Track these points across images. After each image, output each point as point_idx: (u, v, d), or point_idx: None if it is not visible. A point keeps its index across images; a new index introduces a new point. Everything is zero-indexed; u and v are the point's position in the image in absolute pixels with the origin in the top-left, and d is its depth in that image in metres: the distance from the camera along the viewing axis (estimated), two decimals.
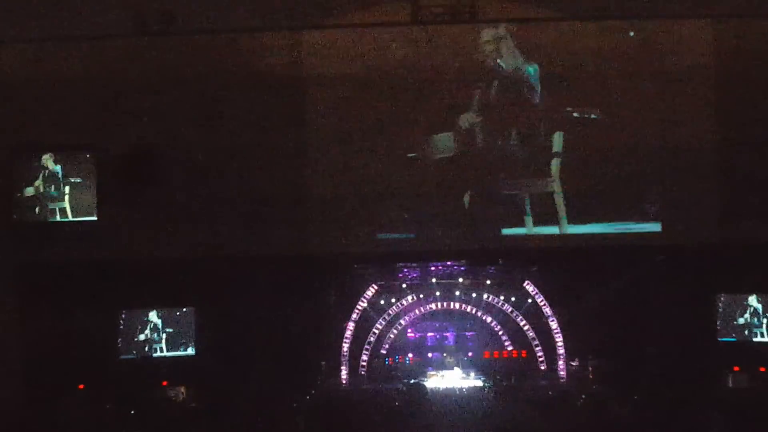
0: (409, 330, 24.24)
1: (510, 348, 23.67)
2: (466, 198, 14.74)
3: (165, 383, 16.52)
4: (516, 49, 14.45)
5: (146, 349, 16.83)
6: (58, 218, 14.15)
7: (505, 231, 14.91)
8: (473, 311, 23.75)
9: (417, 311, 23.89)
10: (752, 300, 16.78)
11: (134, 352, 16.82)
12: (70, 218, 14.15)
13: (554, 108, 14.54)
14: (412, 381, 20.18)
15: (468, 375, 22.88)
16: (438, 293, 23.58)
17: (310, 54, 14.28)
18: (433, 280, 23.27)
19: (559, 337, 22.42)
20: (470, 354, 23.95)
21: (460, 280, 23.21)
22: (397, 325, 23.79)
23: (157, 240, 14.41)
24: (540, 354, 22.94)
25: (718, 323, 16.85)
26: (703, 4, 14.35)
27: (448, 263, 22.10)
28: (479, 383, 21.75)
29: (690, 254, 15.37)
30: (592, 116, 14.44)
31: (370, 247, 15.22)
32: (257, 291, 17.31)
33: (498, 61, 14.47)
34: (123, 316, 16.92)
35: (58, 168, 14.15)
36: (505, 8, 14.45)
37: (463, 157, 14.68)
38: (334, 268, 19.43)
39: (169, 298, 16.81)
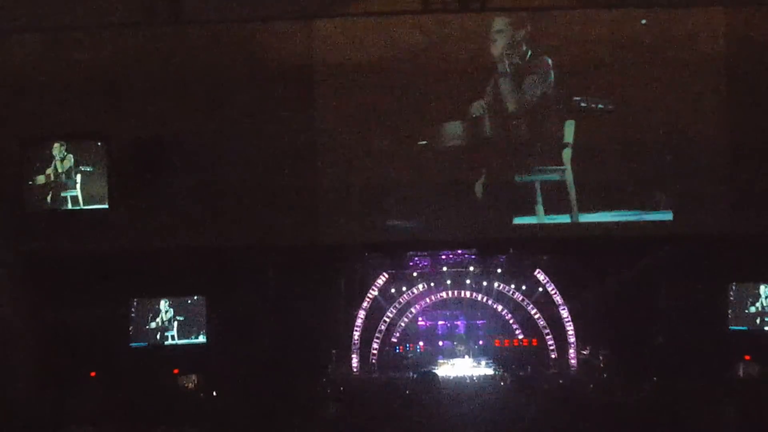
0: (419, 318, 24.31)
1: (521, 336, 23.73)
2: (478, 186, 14.72)
3: (176, 371, 16.60)
4: (527, 38, 14.40)
5: (157, 337, 16.88)
6: (69, 206, 14.18)
7: (517, 220, 14.89)
8: (484, 300, 23.80)
9: (428, 300, 23.95)
10: (764, 289, 16.71)
11: (145, 339, 16.88)
12: (82, 206, 14.19)
13: (565, 97, 14.50)
14: (422, 369, 20.22)
15: (479, 363, 22.95)
16: (449, 282, 23.63)
17: (319, 42, 14.26)
18: (444, 268, 23.32)
19: (569, 325, 22.45)
20: (481, 342, 24.02)
21: (471, 268, 23.25)
22: (407, 313, 23.86)
23: (168, 228, 14.44)
24: (551, 342, 22.99)
25: (729, 312, 16.80)
26: None
27: (459, 252, 22.14)
28: (490, 372, 21.79)
29: (702, 243, 15.34)
30: (604, 105, 14.38)
31: (380, 235, 15.22)
32: (268, 279, 17.36)
33: (508, 50, 14.43)
34: (134, 304, 16.98)
35: (69, 156, 14.17)
36: None
37: (475, 145, 14.65)
38: (344, 256, 19.46)
39: (180, 286, 16.86)
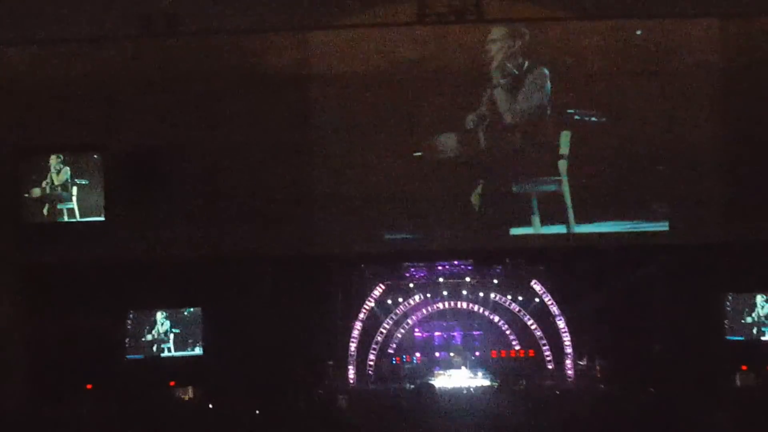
0: (416, 329, 24.21)
1: (517, 347, 23.64)
2: (474, 197, 14.74)
3: (173, 383, 16.56)
4: (523, 48, 14.44)
5: (154, 349, 16.87)
6: (66, 219, 14.19)
7: (514, 230, 14.90)
8: (480, 310, 23.72)
9: (424, 311, 23.86)
10: (760, 299, 16.75)
11: (142, 352, 16.86)
12: (78, 219, 14.19)
13: (561, 107, 14.53)
14: (419, 381, 20.18)
15: (475, 374, 22.85)
16: (445, 292, 23.55)
17: (315, 54, 14.30)
18: (440, 279, 23.26)
19: (566, 336, 22.38)
20: (477, 353, 23.91)
21: (467, 279, 23.19)
22: (404, 324, 23.77)
23: (165, 240, 14.44)
24: (547, 353, 22.90)
25: (725, 322, 16.82)
26: (710, 3, 14.33)
27: (456, 262, 22.11)
28: (487, 383, 21.72)
29: (698, 253, 15.36)
30: (599, 116, 14.42)
31: (377, 246, 15.23)
32: (264, 291, 17.34)
33: (505, 61, 14.47)
34: (131, 316, 16.95)
35: (66, 169, 14.18)
36: (511, 8, 14.43)
37: (471, 156, 14.68)
38: (341, 267, 19.45)
39: (177, 298, 16.84)
